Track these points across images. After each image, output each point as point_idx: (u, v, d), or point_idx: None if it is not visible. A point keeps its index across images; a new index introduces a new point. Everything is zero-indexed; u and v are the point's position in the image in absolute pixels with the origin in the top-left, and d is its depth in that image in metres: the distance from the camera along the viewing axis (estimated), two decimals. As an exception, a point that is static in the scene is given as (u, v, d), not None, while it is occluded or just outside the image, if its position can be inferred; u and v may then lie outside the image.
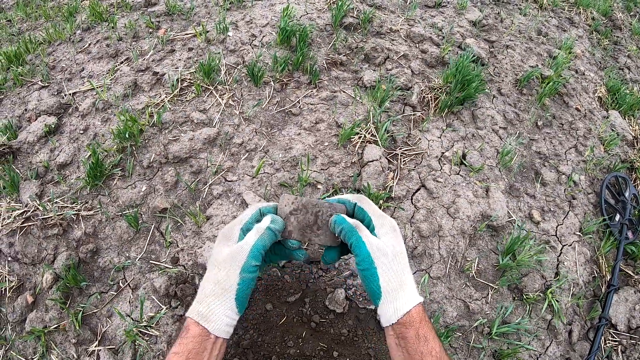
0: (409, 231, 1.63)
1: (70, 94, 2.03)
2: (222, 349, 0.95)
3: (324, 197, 1.64)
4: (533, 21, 2.87)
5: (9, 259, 1.61)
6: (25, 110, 2.01)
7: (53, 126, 1.89)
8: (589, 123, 2.37)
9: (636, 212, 2.09)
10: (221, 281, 0.93)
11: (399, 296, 0.94)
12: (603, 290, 1.81)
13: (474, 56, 2.26)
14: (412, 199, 1.72)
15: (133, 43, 2.24)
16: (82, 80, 2.10)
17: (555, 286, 1.69)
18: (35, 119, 1.95)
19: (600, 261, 1.88)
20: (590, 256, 1.87)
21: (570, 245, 1.85)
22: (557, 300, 1.65)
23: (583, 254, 1.84)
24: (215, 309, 0.92)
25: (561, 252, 1.81)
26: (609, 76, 2.81)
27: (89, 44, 2.30)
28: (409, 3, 2.64)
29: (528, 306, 1.63)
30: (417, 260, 1.59)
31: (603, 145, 2.31)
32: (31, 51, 2.34)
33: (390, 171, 1.77)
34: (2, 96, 2.14)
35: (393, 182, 1.73)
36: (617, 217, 2.05)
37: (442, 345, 0.93)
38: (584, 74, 2.67)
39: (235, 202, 1.63)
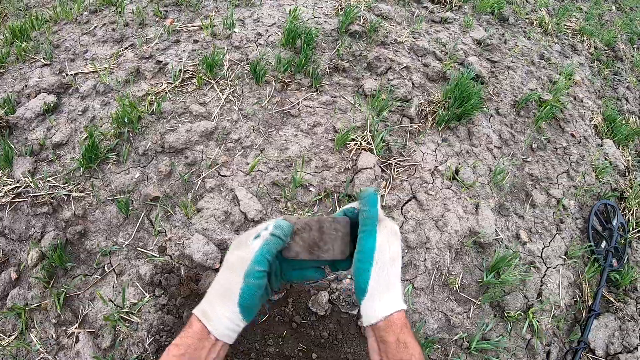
0: (397, 240, 1.64)
1: (72, 75, 2.03)
2: (221, 352, 0.93)
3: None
4: (536, 45, 2.90)
5: (-4, 233, 1.61)
6: (26, 86, 2.00)
7: (52, 105, 1.88)
8: (583, 150, 2.40)
9: (622, 241, 2.12)
10: (226, 283, 0.93)
11: (383, 298, 0.93)
12: (584, 314, 1.83)
13: (475, 74, 2.28)
14: (402, 209, 1.73)
15: (139, 30, 2.24)
16: (85, 61, 2.09)
17: (537, 307, 1.70)
18: (35, 96, 1.94)
19: (583, 286, 1.90)
20: (574, 280, 1.89)
21: (555, 267, 1.87)
22: (537, 321, 1.67)
23: (567, 277, 1.86)
24: (218, 310, 0.91)
25: (545, 274, 1.83)
26: (607, 105, 2.85)
27: (95, 27, 2.29)
28: (416, 16, 2.66)
29: (509, 324, 1.65)
30: (402, 269, 1.60)
31: (595, 172, 2.34)
32: (37, 28, 2.33)
33: (383, 180, 1.78)
34: (4, 70, 2.13)
35: (385, 191, 1.74)
36: (604, 244, 2.07)
37: (422, 352, 0.94)
38: (582, 101, 2.70)
39: (227, 197, 1.64)
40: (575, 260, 1.94)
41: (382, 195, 1.73)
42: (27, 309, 1.46)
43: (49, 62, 2.11)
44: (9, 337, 1.44)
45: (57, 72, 2.05)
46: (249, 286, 0.91)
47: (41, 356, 1.39)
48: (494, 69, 2.51)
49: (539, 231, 1.95)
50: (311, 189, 1.69)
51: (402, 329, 0.92)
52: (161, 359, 0.87)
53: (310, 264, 1.05)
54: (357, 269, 0.95)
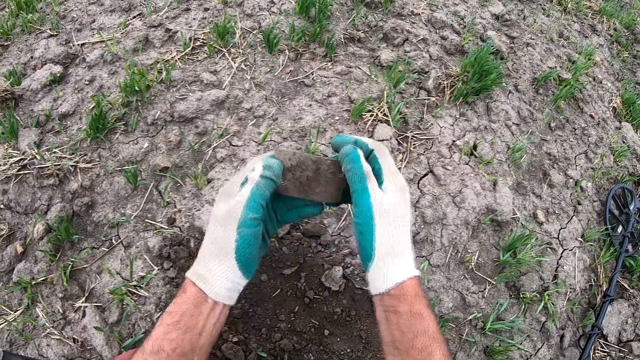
0: (413, 216, 1.59)
1: (78, 45, 1.98)
2: (221, 316, 0.85)
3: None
4: (555, 23, 2.82)
5: (1, 206, 1.58)
6: (32, 57, 1.96)
7: (58, 75, 1.84)
8: (601, 131, 2.34)
9: (638, 227, 2.07)
10: (218, 239, 0.84)
11: (393, 263, 0.83)
12: (598, 299, 1.81)
13: (494, 49, 2.22)
14: (418, 184, 1.68)
15: (148, -1, 2.18)
16: (92, 31, 2.05)
17: (553, 289, 1.67)
18: (41, 67, 1.90)
19: (599, 270, 1.87)
20: (589, 264, 1.86)
21: (571, 250, 1.83)
22: (552, 303, 1.64)
23: (583, 260, 1.83)
24: (214, 270, 0.83)
25: (561, 256, 1.79)
26: (626, 88, 2.78)
27: (102, -4, 2.24)
28: (433, -11, 2.59)
29: (523, 305, 1.61)
30: (418, 246, 1.55)
31: (613, 155, 2.29)
32: (42, -1, 2.28)
33: (400, 153, 1.73)
34: (9, 42, 2.09)
35: (401, 165, 1.69)
36: (620, 228, 2.04)
37: (438, 325, 0.85)
38: (601, 82, 2.63)
39: (239, 167, 1.59)
40: (591, 243, 1.90)
41: (398, 169, 1.68)
42: (33, 283, 1.43)
43: (55, 33, 2.06)
44: (15, 312, 1.42)
45: (64, 43, 2.01)
46: (243, 237, 0.82)
47: (47, 331, 1.37)
48: (512, 45, 2.44)
49: (556, 212, 1.90)
50: (326, 159, 1.64)
51: (415, 298, 0.81)
52: (155, 329, 0.81)
53: (303, 202, 0.97)
54: (359, 233, 0.85)
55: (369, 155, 0.93)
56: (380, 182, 0.88)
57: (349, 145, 0.89)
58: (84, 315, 1.37)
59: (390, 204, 0.85)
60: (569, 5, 3.02)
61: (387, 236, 0.83)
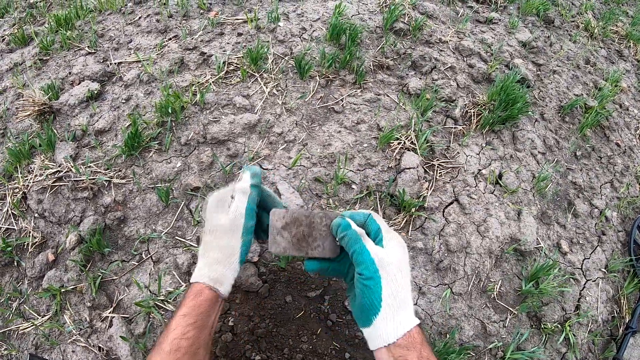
0: (437, 244, 1.61)
1: (115, 63, 2.05)
2: (222, 306, 1.04)
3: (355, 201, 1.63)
4: (582, 49, 2.82)
5: (36, 215, 1.64)
6: (70, 73, 2.04)
7: (95, 92, 1.90)
8: (628, 160, 2.32)
9: (663, 258, 2.04)
10: (227, 247, 0.98)
11: (401, 314, 0.87)
12: (620, 331, 1.78)
13: (520, 77, 2.23)
14: (443, 212, 1.70)
15: (183, 22, 2.25)
16: (129, 51, 2.12)
17: (575, 320, 1.66)
18: (79, 83, 1.97)
19: (622, 301, 1.84)
20: (612, 295, 1.84)
21: (595, 280, 1.81)
22: (574, 334, 1.62)
23: (606, 291, 1.81)
24: (226, 274, 0.98)
25: (584, 287, 1.78)
26: (653, 115, 2.75)
27: (139, 17, 2.32)
28: (461, 16, 2.61)
29: (544, 336, 1.60)
30: (441, 273, 1.57)
31: (639, 184, 2.26)
32: (81, 17, 2.37)
33: (426, 181, 1.75)
34: (48, 57, 2.18)
35: (427, 193, 1.71)
36: (644, 259, 2.01)
37: None
38: (627, 110, 2.61)
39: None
40: (615, 274, 1.88)
41: (424, 196, 1.70)
42: (62, 290, 1.48)
43: (93, 51, 2.14)
44: (42, 317, 1.47)
45: (101, 61, 2.08)
46: (245, 243, 0.99)
47: (73, 338, 1.42)
48: (539, 72, 2.45)
49: (580, 242, 1.89)
50: (353, 186, 1.67)
51: (422, 344, 0.86)
52: (171, 331, 0.91)
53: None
54: (364, 288, 0.88)
55: (366, 220, 0.99)
56: (379, 240, 0.95)
57: (338, 217, 0.98)
58: (110, 325, 1.42)
59: (392, 257, 0.90)
60: (596, 30, 3.01)
61: (393, 286, 0.88)
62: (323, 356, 1.34)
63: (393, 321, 0.86)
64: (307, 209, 1.06)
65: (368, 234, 0.96)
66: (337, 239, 0.99)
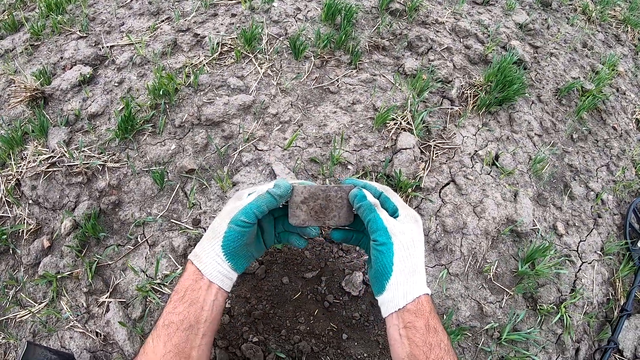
0: (434, 224, 1.60)
1: (108, 47, 2.03)
2: (218, 297, 0.98)
3: (349, 178, 1.62)
4: (579, 32, 2.80)
5: (30, 201, 1.62)
6: (61, 58, 2.01)
7: (88, 76, 1.88)
8: (624, 144, 2.32)
9: (658, 241, 2.05)
10: (215, 227, 1.00)
11: (411, 280, 0.91)
12: (615, 314, 1.78)
13: (517, 59, 2.21)
14: (440, 193, 1.69)
15: (175, 3, 2.22)
16: (121, 34, 2.09)
17: (570, 301, 1.66)
18: (71, 68, 1.94)
19: (617, 284, 1.85)
20: (608, 277, 1.84)
21: (590, 263, 1.82)
22: (569, 316, 1.63)
23: (601, 274, 1.81)
24: (207, 249, 0.98)
25: (580, 269, 1.78)
26: (650, 99, 2.74)
27: (131, 0, 2.28)
28: (457, -3, 2.59)
29: (540, 317, 1.61)
30: (437, 254, 1.57)
31: (635, 168, 2.26)
32: (72, 1, 2.33)
33: (422, 161, 1.74)
34: (39, 42, 2.14)
35: (423, 173, 1.70)
36: (639, 242, 2.01)
37: (450, 339, 0.91)
38: (624, 94, 2.60)
39: (264, 171, 1.62)
40: (610, 257, 1.88)
41: (420, 177, 1.69)
42: (58, 277, 1.47)
43: (84, 35, 2.11)
44: (39, 304, 1.46)
45: (93, 45, 2.05)
46: (231, 231, 0.97)
47: (71, 324, 1.41)
48: (536, 55, 2.43)
49: (576, 224, 1.89)
50: (349, 166, 1.66)
51: (431, 313, 0.89)
52: (165, 307, 0.94)
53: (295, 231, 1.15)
54: (377, 253, 0.94)
55: (379, 197, 1.07)
56: (396, 216, 1.01)
57: (356, 188, 1.03)
58: (107, 310, 1.41)
59: (405, 228, 0.96)
60: (593, 14, 2.99)
61: (405, 254, 0.92)
62: (320, 337, 1.34)
63: (404, 285, 0.90)
64: (324, 184, 1.11)
65: (386, 210, 1.03)
66: (353, 209, 1.06)
